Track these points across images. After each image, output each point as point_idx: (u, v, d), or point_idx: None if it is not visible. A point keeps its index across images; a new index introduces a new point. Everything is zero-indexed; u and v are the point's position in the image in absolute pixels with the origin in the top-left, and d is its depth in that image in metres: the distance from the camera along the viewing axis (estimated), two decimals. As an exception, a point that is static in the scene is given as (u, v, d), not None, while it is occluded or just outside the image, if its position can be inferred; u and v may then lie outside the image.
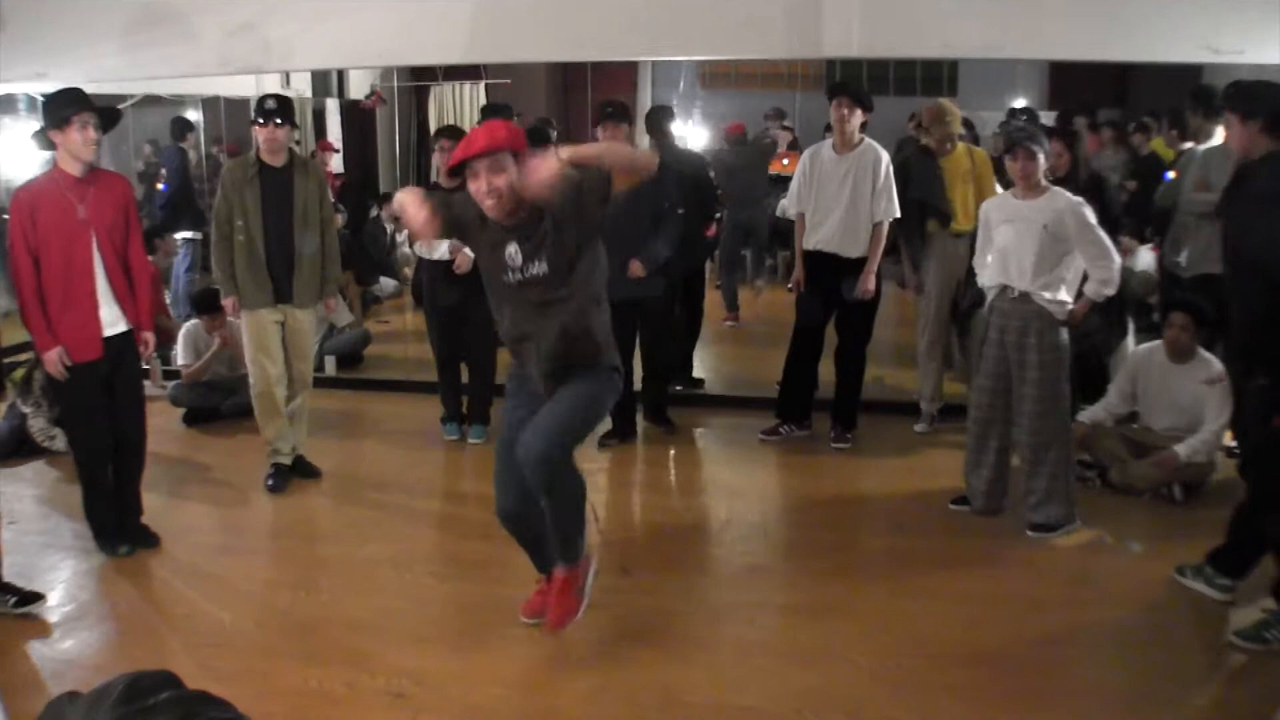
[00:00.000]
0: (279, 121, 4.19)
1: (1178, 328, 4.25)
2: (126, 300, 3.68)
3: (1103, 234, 3.79)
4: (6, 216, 3.43)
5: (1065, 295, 3.80)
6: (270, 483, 4.43)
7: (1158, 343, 4.43)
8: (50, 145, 3.54)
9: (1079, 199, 3.82)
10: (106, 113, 3.62)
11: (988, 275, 3.99)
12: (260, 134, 4.21)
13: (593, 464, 4.75)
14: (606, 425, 4.86)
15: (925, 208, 4.92)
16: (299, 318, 4.40)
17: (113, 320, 3.64)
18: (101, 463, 3.72)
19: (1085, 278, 3.82)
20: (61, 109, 3.46)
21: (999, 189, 4.67)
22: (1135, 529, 3.90)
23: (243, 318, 4.37)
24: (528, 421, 2.81)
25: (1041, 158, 3.77)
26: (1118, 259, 3.81)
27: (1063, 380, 3.83)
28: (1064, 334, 3.84)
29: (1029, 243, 3.76)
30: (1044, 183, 3.82)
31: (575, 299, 2.80)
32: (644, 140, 5.85)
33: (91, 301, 3.57)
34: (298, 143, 8.70)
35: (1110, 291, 3.80)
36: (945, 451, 4.88)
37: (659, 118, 5.59)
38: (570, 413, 2.79)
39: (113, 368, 3.66)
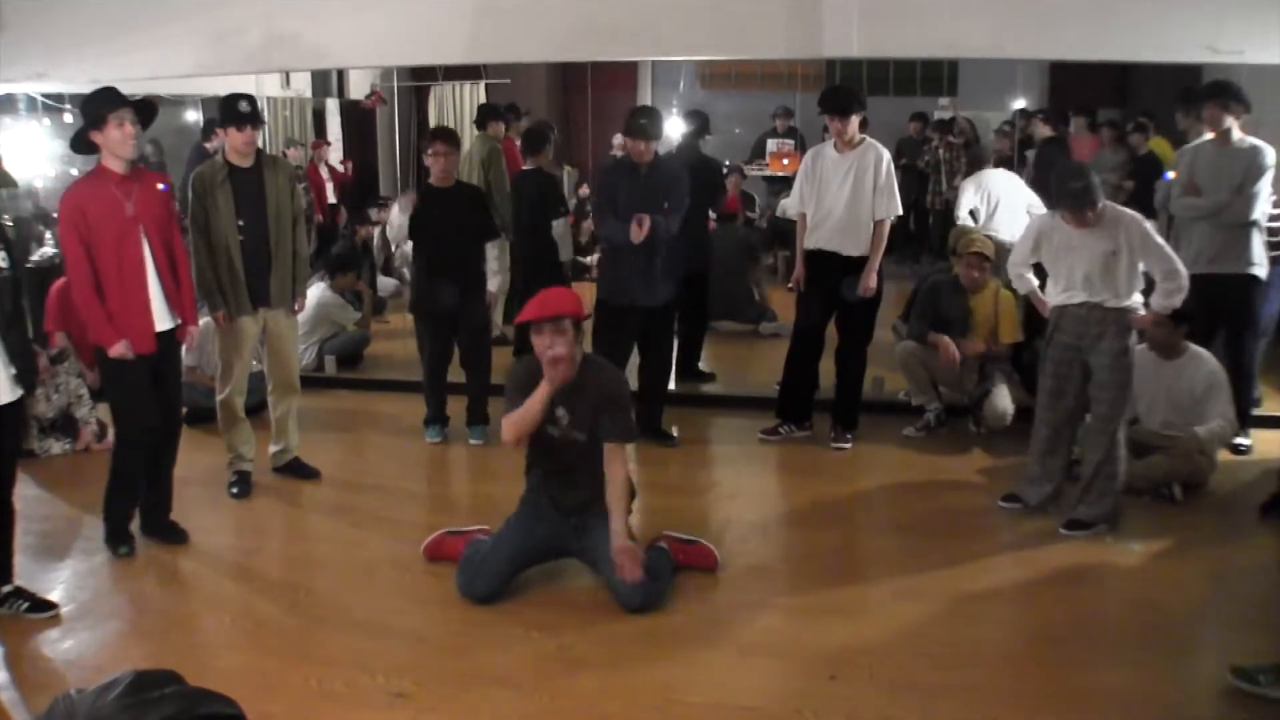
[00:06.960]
0: (255, 123, 4.10)
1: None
2: (173, 296, 3.70)
3: (1167, 247, 3.79)
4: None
5: (1134, 301, 3.78)
6: (235, 490, 4.36)
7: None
8: (88, 148, 3.53)
9: (1138, 215, 3.81)
10: (142, 107, 3.62)
11: (1051, 292, 3.95)
12: (238, 137, 4.06)
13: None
14: None
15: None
16: (279, 321, 4.32)
17: (161, 316, 3.66)
18: (140, 458, 3.73)
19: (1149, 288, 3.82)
20: (98, 108, 3.47)
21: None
22: (1135, 529, 3.89)
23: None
24: (534, 534, 3.44)
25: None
26: (1184, 270, 3.76)
27: (1125, 385, 3.83)
28: (1132, 339, 3.84)
29: (1095, 265, 3.75)
30: (1100, 210, 3.74)
31: (591, 455, 3.41)
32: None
33: (144, 297, 3.59)
34: (302, 144, 8.75)
35: (1177, 303, 3.77)
36: (945, 452, 4.89)
37: (698, 126, 5.82)
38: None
39: (159, 362, 3.68)
